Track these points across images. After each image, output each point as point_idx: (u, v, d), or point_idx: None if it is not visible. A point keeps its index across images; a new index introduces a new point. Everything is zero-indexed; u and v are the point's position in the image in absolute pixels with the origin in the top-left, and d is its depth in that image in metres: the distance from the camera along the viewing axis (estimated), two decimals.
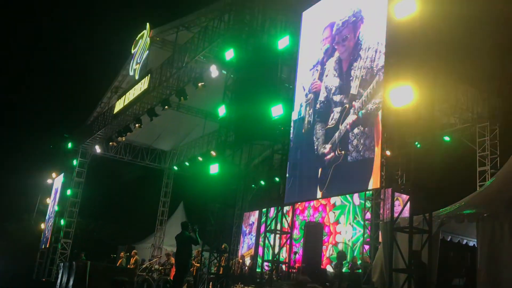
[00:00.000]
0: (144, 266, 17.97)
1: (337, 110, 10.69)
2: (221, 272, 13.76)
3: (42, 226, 28.93)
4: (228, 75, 14.51)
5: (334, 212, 17.90)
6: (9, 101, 41.26)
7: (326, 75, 11.37)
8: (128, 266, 17.45)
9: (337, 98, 10.82)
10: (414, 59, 8.91)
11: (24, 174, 32.49)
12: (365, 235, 15.62)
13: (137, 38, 20.22)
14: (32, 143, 35.11)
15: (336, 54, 11.19)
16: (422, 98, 8.92)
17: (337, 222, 17.57)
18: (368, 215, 15.57)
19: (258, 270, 17.60)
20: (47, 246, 26.05)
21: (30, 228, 30.84)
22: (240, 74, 14.13)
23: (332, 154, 10.53)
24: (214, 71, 15.67)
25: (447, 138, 16.96)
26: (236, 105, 13.99)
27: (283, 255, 13.20)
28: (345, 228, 17.21)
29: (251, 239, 22.96)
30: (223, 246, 13.98)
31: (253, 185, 24.39)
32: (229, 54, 13.97)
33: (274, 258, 12.20)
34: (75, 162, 26.12)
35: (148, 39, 19.10)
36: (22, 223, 32.40)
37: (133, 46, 20.52)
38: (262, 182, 22.16)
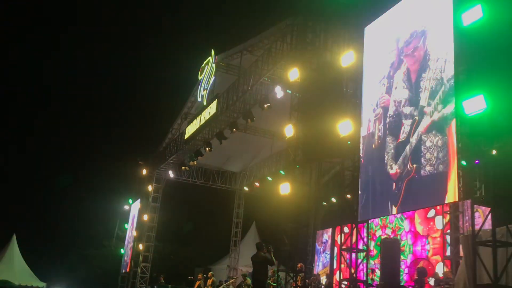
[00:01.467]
0: (221, 287, 18.23)
1: (407, 123, 10.49)
2: None
3: (122, 251, 30.10)
4: (293, 95, 14.64)
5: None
6: (86, 131, 43.59)
7: (395, 88, 11.20)
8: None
9: (407, 110, 10.62)
10: (486, 66, 8.63)
11: (103, 201, 34.05)
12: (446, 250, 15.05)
13: (203, 65, 20.87)
14: (109, 172, 36.79)
15: (404, 66, 11.02)
16: (498, 105, 8.60)
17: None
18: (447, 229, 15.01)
19: None
20: (127, 270, 27.02)
21: (110, 254, 32.12)
22: (305, 93, 14.21)
23: (403, 169, 10.31)
24: (279, 91, 15.88)
25: None
26: (303, 124, 14.06)
27: (360, 273, 12.95)
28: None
29: (325, 257, 22.69)
30: (299, 265, 13.95)
31: (324, 203, 24.18)
32: (293, 74, 14.11)
33: (351, 277, 12.03)
34: (150, 188, 27.08)
35: (214, 64, 19.68)
36: (103, 248, 33.83)
37: (199, 72, 21.19)
38: (334, 200, 21.94)
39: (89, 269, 31.88)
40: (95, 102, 46.70)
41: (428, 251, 16.05)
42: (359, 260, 12.05)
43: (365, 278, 12.42)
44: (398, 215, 16.81)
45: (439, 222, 15.48)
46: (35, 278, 28.46)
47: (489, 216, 8.42)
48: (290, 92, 15.04)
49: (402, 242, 16.87)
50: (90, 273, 30.64)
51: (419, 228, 16.39)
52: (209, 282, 18.18)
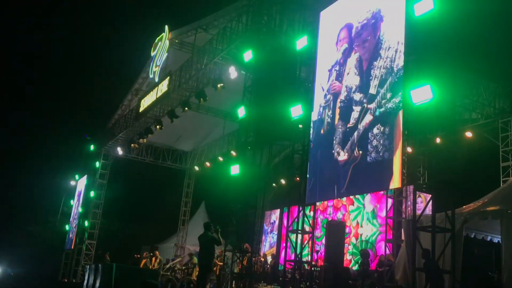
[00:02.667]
0: (167, 266, 18.17)
1: (357, 109, 10.69)
2: (244, 272, 13.87)
3: (67, 227, 29.46)
4: (247, 76, 14.59)
5: (350, 214, 17.93)
6: (32, 105, 42.04)
7: (347, 74, 11.36)
8: (151, 266, 17.65)
9: (357, 97, 10.82)
10: (434, 57, 8.88)
11: (48, 177, 33.09)
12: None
13: (156, 41, 20.42)
14: (55, 146, 35.72)
15: (356, 53, 11.18)
16: (443, 95, 8.89)
17: (356, 222, 17.58)
18: (391, 213, 15.51)
19: (281, 268, 17.66)
20: (72, 247, 26.50)
21: (55, 230, 31.40)
22: (259, 75, 14.19)
23: (350, 153, 10.54)
24: (233, 72, 15.77)
25: (469, 134, 16.78)
26: (255, 105, 14.06)
27: (306, 254, 13.24)
28: (365, 227, 17.19)
29: (272, 237, 23.03)
30: (245, 245, 14.08)
31: (273, 184, 24.46)
32: (248, 55, 14.04)
33: (297, 258, 12.27)
34: (97, 164, 26.51)
35: (167, 41, 19.28)
36: (47, 225, 32.99)
37: (152, 48, 20.73)
38: (283, 181, 22.22)
39: (32, 245, 31.03)
40: (43, 73, 44.93)
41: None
42: (305, 242, 12.30)
43: (310, 259, 12.69)
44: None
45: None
46: None
47: (430, 202, 8.76)
48: (244, 73, 14.98)
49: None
50: (34, 249, 29.85)
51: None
52: (155, 260, 18.06)
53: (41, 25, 44.78)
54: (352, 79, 11.15)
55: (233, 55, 15.68)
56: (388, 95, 9.75)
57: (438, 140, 9.33)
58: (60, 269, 27.01)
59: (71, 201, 29.98)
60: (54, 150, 36.18)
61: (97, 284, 11.92)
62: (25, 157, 38.32)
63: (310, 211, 12.95)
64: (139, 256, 21.15)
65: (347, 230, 17.00)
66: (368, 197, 17.08)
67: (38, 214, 33.19)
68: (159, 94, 19.52)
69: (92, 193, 26.16)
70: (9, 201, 33.70)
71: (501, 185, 14.07)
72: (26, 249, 28.55)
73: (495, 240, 11.23)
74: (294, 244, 12.18)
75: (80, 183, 29.02)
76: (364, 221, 17.19)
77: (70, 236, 28.02)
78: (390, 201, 13.51)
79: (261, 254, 20.46)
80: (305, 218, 12.20)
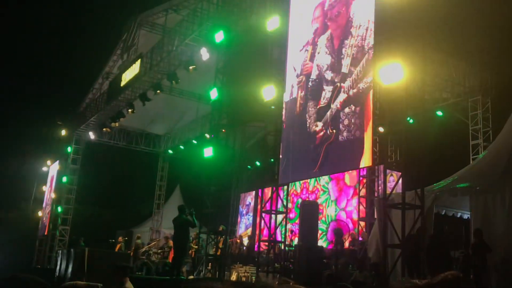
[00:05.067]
0: (142, 250, 18.10)
1: (328, 89, 10.71)
2: (219, 253, 13.92)
3: (40, 213, 29.02)
4: (219, 58, 14.46)
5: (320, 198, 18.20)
6: (0, 89, 40.96)
7: (318, 53, 11.35)
8: (129, 251, 17.58)
9: (328, 76, 10.83)
10: (404, 36, 8.93)
11: (19, 162, 32.43)
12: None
13: (127, 22, 20.02)
14: (26, 131, 34.98)
15: (328, 31, 11.15)
16: (413, 75, 8.97)
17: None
18: (363, 192, 15.73)
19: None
20: (46, 233, 26.18)
21: (28, 216, 30.91)
22: (231, 56, 14.10)
23: (323, 132, 10.58)
24: (204, 54, 15.59)
25: (439, 113, 17.02)
26: (228, 87, 13.99)
27: (280, 234, 13.34)
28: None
29: (248, 219, 23.13)
30: (220, 227, 14.11)
31: (248, 166, 24.48)
32: (219, 36, 13.91)
33: (271, 238, 12.36)
34: (69, 149, 26.07)
35: (137, 22, 18.94)
36: (19, 211, 32.46)
37: (123, 30, 20.34)
38: (258, 163, 22.26)
39: (4, 232, 30.51)
40: (10, 56, 43.72)
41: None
42: (278, 222, 12.38)
43: (283, 239, 12.80)
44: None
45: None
46: None
47: (400, 180, 8.88)
48: (215, 54, 14.84)
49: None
50: (6, 236, 29.34)
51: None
52: (134, 245, 18.09)
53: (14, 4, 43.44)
54: (323, 58, 11.14)
55: (205, 36, 15.50)
56: (360, 75, 9.78)
57: (408, 119, 9.43)
58: (34, 255, 26.67)
59: (43, 187, 29.49)
60: (25, 135, 35.45)
61: (70, 269, 11.82)
62: None
63: (283, 192, 13.03)
64: (114, 241, 21.03)
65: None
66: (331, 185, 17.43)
67: (10, 201, 32.60)
68: (130, 76, 19.19)
69: (64, 179, 25.77)
70: None
71: (471, 162, 14.35)
72: None
73: (465, 216, 11.49)
74: (268, 225, 12.25)
75: (52, 169, 28.54)
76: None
77: (44, 222, 27.64)
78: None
79: (237, 236, 20.55)
80: (279, 199, 12.27)
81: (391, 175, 15.84)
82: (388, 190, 9.73)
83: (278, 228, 12.53)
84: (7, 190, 32.74)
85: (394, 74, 8.79)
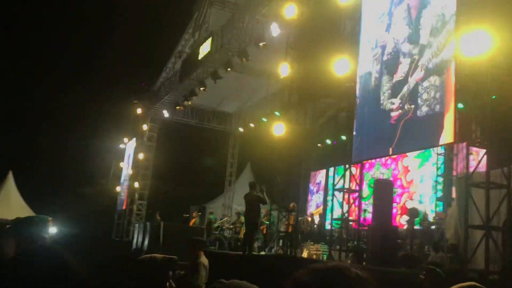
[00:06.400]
0: (215, 225, 18.47)
1: (406, 62, 10.20)
2: (290, 231, 13.89)
3: (118, 189, 30.33)
4: (289, 33, 14.20)
5: (405, 167, 17.46)
6: (79, 70, 42.87)
7: (395, 24, 10.82)
8: (202, 226, 18.00)
9: (405, 48, 10.31)
10: (489, 2, 8.27)
11: (98, 141, 33.94)
12: (438, 191, 15.18)
13: (198, 1, 20.15)
14: (104, 111, 36.45)
15: (405, 1, 10.59)
16: (499, 45, 8.32)
17: (410, 179, 17.18)
18: (441, 171, 15.08)
19: (327, 228, 17.63)
20: (124, 208, 27.38)
21: (107, 192, 32.41)
22: (301, 31, 13.78)
23: (400, 109, 10.13)
24: (275, 29, 15.36)
25: None
26: (299, 63, 13.72)
27: (352, 213, 13.08)
28: (417, 184, 16.79)
29: (319, 197, 22.96)
30: (291, 205, 14.05)
31: (318, 144, 24.17)
32: (290, 10, 13.61)
33: (343, 216, 12.14)
34: (145, 127, 26.94)
35: (209, 0, 19.00)
36: (99, 187, 34.10)
37: (194, 9, 20.50)
38: (328, 141, 21.90)
39: (86, 206, 32.20)
40: (87, 38, 45.59)
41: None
42: (351, 201, 12.13)
43: (357, 218, 12.53)
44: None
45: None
46: (33, 215, 28.73)
47: (484, 158, 8.35)
48: (286, 30, 14.57)
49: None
50: (87, 210, 30.97)
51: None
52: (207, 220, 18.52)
53: None
54: (399, 30, 10.61)
55: (275, 12, 15.25)
56: (440, 46, 9.22)
57: (492, 93, 8.81)
58: (113, 228, 28.03)
59: (121, 164, 30.75)
60: (103, 114, 36.94)
61: (146, 242, 12.23)
62: (76, 121, 39.37)
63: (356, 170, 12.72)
64: (188, 215, 21.60)
65: (396, 186, 16.71)
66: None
67: (90, 177, 34.31)
68: (202, 55, 19.36)
69: (141, 155, 26.71)
70: (61, 164, 34.91)
71: None
72: (80, 210, 29.65)
73: None
74: (340, 204, 12.04)
75: (129, 146, 29.67)
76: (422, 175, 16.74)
77: (122, 197, 28.89)
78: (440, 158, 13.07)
79: (308, 214, 20.46)
80: (352, 177, 11.99)
81: (471, 153, 15.03)
82: (470, 169, 9.17)
83: (351, 207, 12.28)
84: (88, 167, 34.47)
85: (479, 44, 8.19)
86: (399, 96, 10.21)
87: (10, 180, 29.25)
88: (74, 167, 34.01)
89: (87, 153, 34.13)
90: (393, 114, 10.33)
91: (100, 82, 41.84)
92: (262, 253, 14.21)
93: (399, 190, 17.16)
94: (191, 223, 19.26)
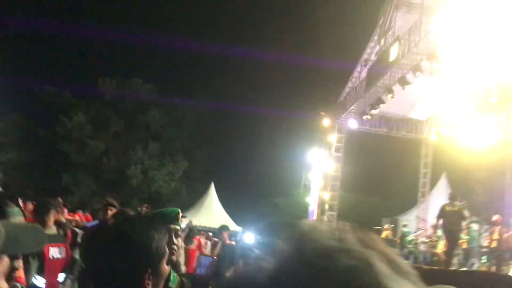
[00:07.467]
0: (409, 238, 17.69)
1: None
2: (493, 246, 12.54)
3: (308, 199, 31.07)
4: None
5: None
6: (273, 85, 45.26)
7: None
8: (395, 238, 17.41)
9: None
10: None
11: (289, 152, 35.37)
12: None
13: (383, 6, 19.76)
14: (293, 124, 37.91)
15: None
16: None
17: None
18: None
19: None
20: (315, 218, 27.87)
21: (298, 202, 33.43)
22: None
23: None
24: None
25: None
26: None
27: None
28: None
29: None
30: (496, 218, 12.70)
31: None
32: None
33: None
34: (332, 138, 27.15)
35: (394, 5, 18.49)
36: (291, 197, 35.37)
37: (379, 15, 20.12)
38: None
39: (279, 216, 33.66)
40: (281, 61, 48.14)
41: None
42: None
43: None
44: None
45: None
46: (232, 223, 31.07)
47: None
48: None
49: None
50: (280, 220, 32.34)
51: None
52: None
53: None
54: None
55: None
56: None
57: None
58: None
59: (310, 174, 31.50)
60: (293, 127, 38.47)
61: None
62: (268, 137, 41.67)
63: None
64: (380, 227, 21.09)
65: None
66: None
67: (282, 187, 35.81)
68: (389, 61, 18.81)
69: (329, 166, 26.95)
70: (258, 176, 37.17)
71: None
72: (273, 219, 31.11)
73: None
74: None
75: (317, 157, 30.26)
76: None
77: (312, 207, 29.50)
78: None
79: None
80: None
81: None
82: None
83: None
84: (281, 178, 36.14)
85: None
86: None
87: (212, 190, 32.14)
88: (267, 179, 35.99)
89: (279, 165, 35.79)
90: None
91: (290, 97, 43.73)
92: (463, 269, 13.08)
93: None
94: (383, 236, 18.74)
